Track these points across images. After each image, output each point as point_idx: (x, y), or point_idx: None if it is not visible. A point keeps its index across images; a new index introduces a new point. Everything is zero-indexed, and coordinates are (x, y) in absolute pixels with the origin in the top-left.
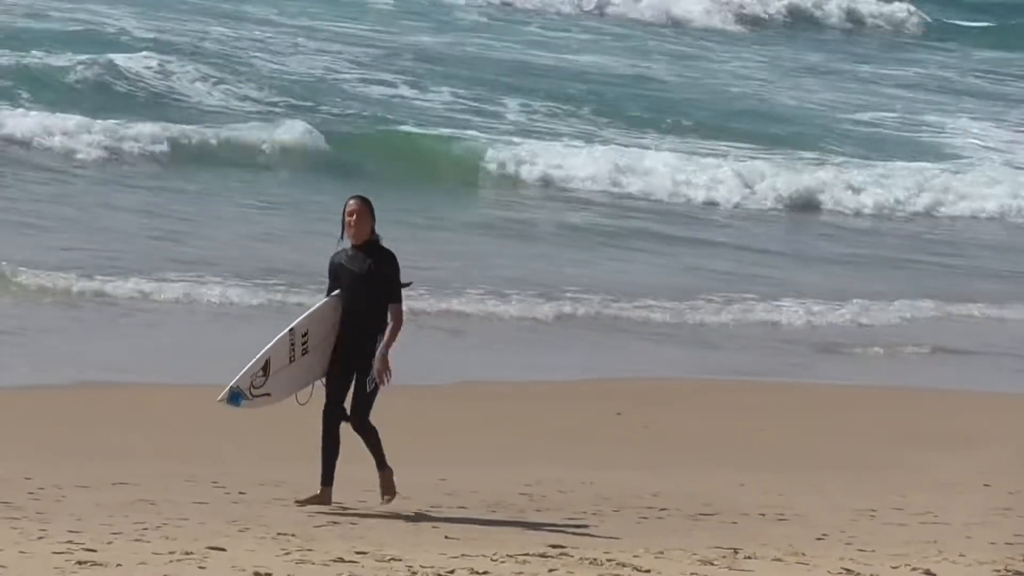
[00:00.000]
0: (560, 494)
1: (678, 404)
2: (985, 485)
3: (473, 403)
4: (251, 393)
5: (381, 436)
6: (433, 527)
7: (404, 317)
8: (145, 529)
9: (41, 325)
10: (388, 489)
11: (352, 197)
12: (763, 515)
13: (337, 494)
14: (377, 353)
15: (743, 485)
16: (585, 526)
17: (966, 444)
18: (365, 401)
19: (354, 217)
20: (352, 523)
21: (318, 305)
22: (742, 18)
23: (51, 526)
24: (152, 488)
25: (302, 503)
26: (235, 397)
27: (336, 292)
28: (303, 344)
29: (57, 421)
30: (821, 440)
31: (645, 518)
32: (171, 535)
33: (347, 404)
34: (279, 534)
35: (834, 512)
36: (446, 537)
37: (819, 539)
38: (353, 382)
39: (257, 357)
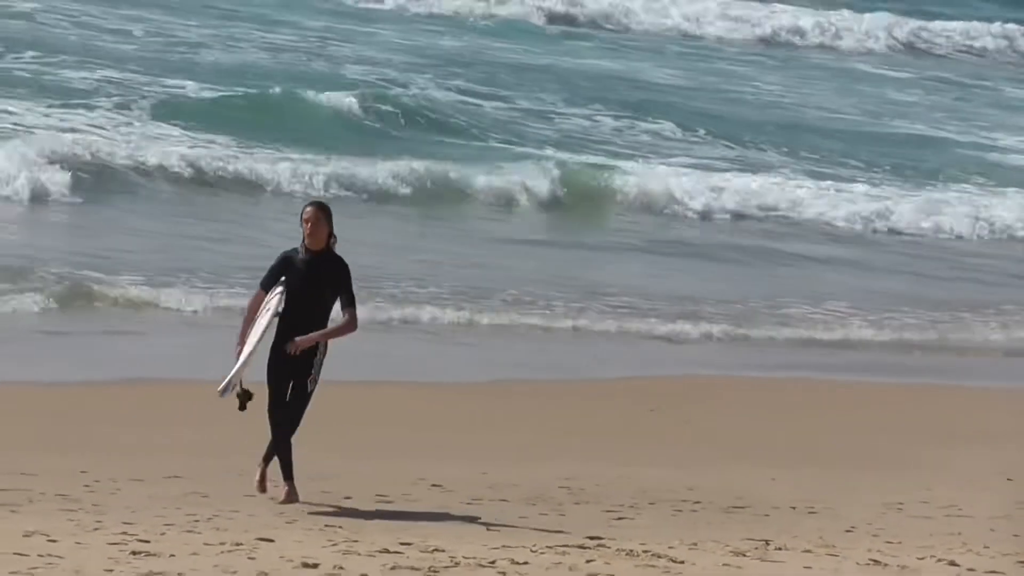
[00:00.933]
0: (597, 488)
1: (710, 401)
2: (1008, 480)
3: (512, 400)
4: (233, 387)
5: (419, 431)
6: (475, 518)
7: (357, 324)
8: (197, 521)
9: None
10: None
11: (310, 204)
12: (794, 508)
13: (381, 487)
14: (304, 336)
15: (774, 480)
16: (622, 519)
17: (988, 440)
18: (303, 399)
19: (309, 225)
20: (397, 514)
21: (276, 296)
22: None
23: (106, 518)
24: (203, 481)
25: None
26: (228, 390)
27: (279, 289)
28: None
29: (112, 417)
30: (849, 436)
31: (680, 511)
32: (222, 526)
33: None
34: (326, 526)
35: (862, 506)
36: (488, 529)
37: (848, 531)
38: (291, 386)
39: (253, 348)
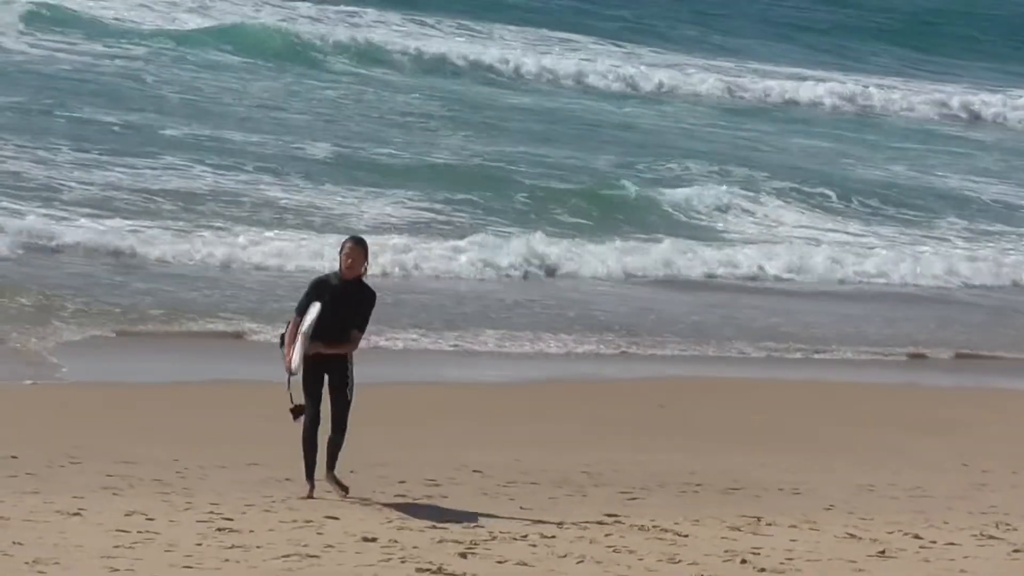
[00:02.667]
0: (614, 472)
1: (710, 398)
2: (963, 465)
3: (541, 398)
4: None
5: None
6: (510, 499)
7: (359, 345)
8: (273, 502)
9: None
10: (338, 487)
11: (349, 239)
12: (781, 489)
13: (429, 473)
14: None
15: (764, 465)
16: (635, 499)
17: (947, 431)
18: (344, 407)
19: (351, 260)
20: (443, 496)
21: (315, 309)
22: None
23: (195, 499)
24: (280, 468)
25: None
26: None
27: (317, 305)
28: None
29: (200, 413)
30: (828, 428)
31: (684, 492)
32: (295, 507)
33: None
34: (384, 505)
35: (839, 487)
36: (520, 507)
37: (827, 509)
38: (332, 396)
39: (298, 362)
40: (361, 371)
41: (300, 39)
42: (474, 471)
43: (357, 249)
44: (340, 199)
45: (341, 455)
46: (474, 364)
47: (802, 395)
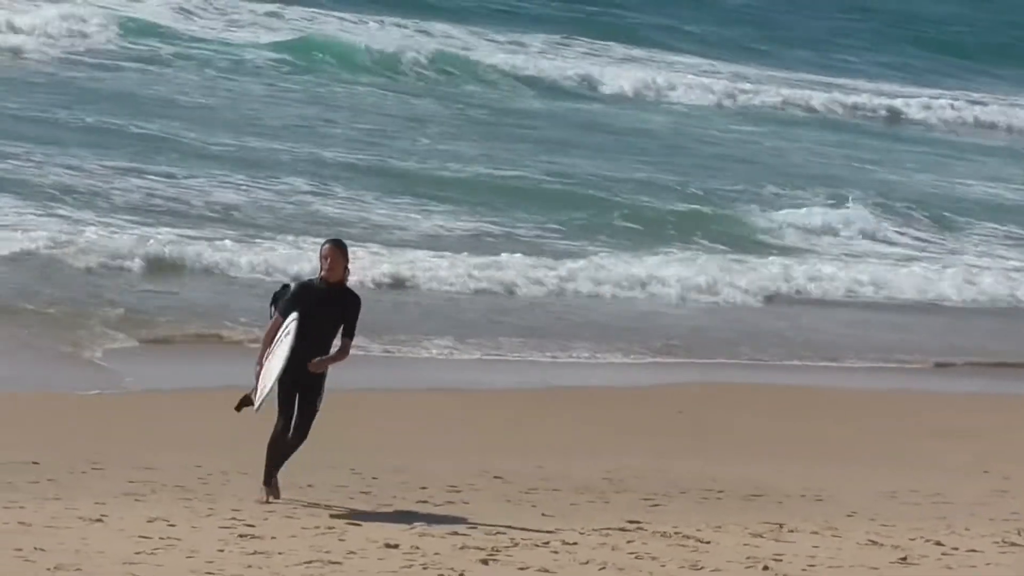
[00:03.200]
0: (636, 479)
1: (730, 405)
2: (985, 472)
3: (563, 405)
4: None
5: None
6: (532, 506)
7: (350, 352)
8: (295, 508)
9: None
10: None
11: (328, 241)
12: (803, 496)
13: (451, 479)
14: (324, 357)
15: (786, 471)
16: (657, 505)
17: (968, 438)
18: (311, 414)
19: (330, 262)
20: (465, 502)
21: (291, 331)
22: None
23: (217, 505)
24: (301, 474)
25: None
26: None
27: (295, 315)
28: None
29: (220, 418)
30: (850, 435)
31: (706, 499)
32: (316, 513)
33: None
34: (406, 512)
35: (861, 494)
36: (543, 514)
37: (849, 516)
38: (299, 403)
39: (278, 374)
40: (383, 377)
41: (401, 59)
42: (496, 477)
43: (336, 251)
44: (413, 215)
45: (289, 461)
46: (495, 370)
47: (824, 402)
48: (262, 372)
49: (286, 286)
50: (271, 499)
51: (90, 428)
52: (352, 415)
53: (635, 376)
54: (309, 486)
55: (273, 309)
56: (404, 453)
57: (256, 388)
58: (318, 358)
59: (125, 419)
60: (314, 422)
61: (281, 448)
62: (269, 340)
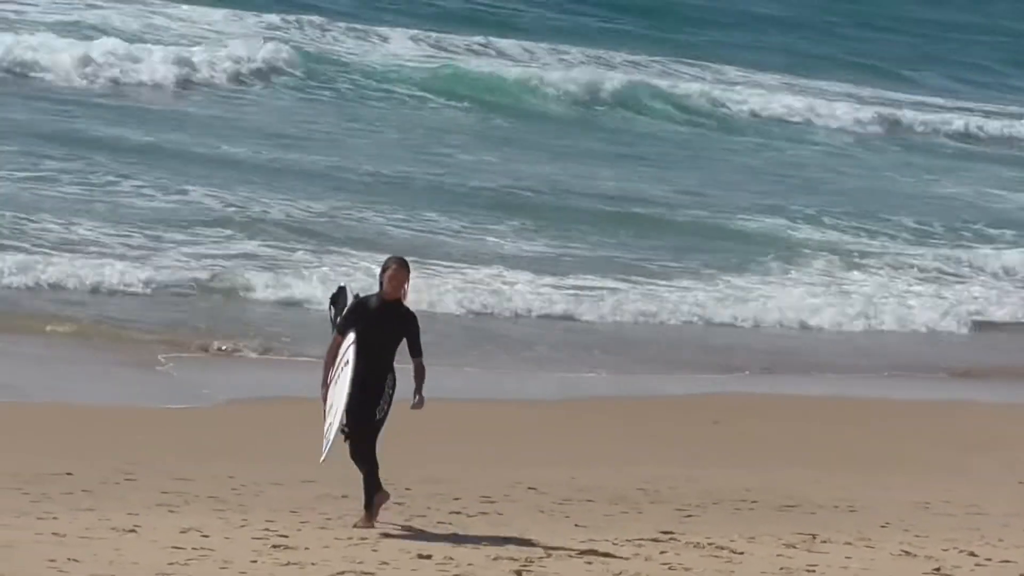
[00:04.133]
0: (670, 489)
1: (764, 415)
2: (1020, 482)
3: (597, 415)
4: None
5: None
6: (565, 517)
7: (425, 367)
8: (328, 519)
9: None
10: (369, 519)
11: (393, 259)
12: (836, 507)
13: (485, 490)
14: (418, 396)
15: (818, 482)
16: (690, 516)
17: (1003, 448)
18: (374, 428)
19: (395, 282)
20: (499, 513)
21: (352, 349)
22: None
23: (251, 516)
24: (335, 485)
25: (361, 525)
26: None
27: (352, 336)
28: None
29: (255, 431)
30: (883, 445)
31: (739, 509)
32: (350, 523)
33: None
34: (439, 523)
35: (895, 504)
36: (576, 525)
37: (883, 527)
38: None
39: (336, 414)
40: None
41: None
42: (529, 488)
43: (401, 270)
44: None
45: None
46: (529, 381)
47: (857, 412)
48: (328, 405)
49: (341, 288)
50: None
51: (123, 439)
52: (385, 426)
53: (670, 386)
54: (343, 497)
55: (332, 311)
56: (437, 464)
57: (325, 416)
58: (418, 397)
59: (158, 430)
60: (378, 436)
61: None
62: (331, 359)
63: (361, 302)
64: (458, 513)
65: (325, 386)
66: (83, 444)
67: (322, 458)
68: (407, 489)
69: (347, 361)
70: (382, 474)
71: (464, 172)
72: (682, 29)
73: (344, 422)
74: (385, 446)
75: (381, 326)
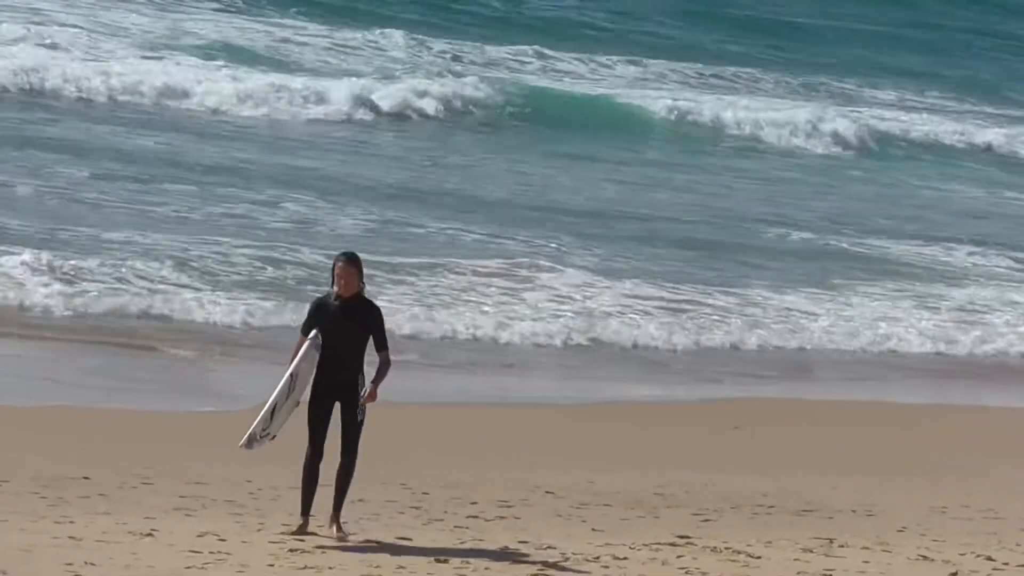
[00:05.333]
0: (687, 494)
1: (782, 420)
2: None
3: (615, 420)
4: (259, 436)
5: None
6: (582, 521)
7: (391, 361)
8: (344, 523)
9: None
10: (335, 526)
11: (340, 257)
12: (854, 511)
13: (502, 494)
14: (370, 385)
15: (837, 487)
16: (707, 520)
17: (1021, 453)
18: (357, 430)
19: (343, 280)
20: (516, 517)
21: (305, 347)
22: None
23: (268, 520)
24: (353, 489)
25: (294, 534)
26: (250, 442)
27: (314, 333)
28: (293, 384)
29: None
30: (900, 450)
31: (756, 514)
32: (366, 527)
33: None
34: (456, 527)
35: (912, 509)
36: (593, 529)
37: (900, 531)
38: (343, 416)
39: (268, 405)
40: (434, 391)
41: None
42: (547, 492)
43: (349, 267)
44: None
45: (347, 496)
46: (547, 385)
47: (874, 416)
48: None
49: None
50: (303, 531)
51: (140, 443)
52: (402, 430)
53: (688, 391)
54: (360, 500)
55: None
56: (455, 468)
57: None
58: (366, 389)
59: (175, 434)
60: (360, 434)
61: (313, 474)
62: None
63: (319, 303)
64: (475, 517)
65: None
66: (100, 448)
67: (240, 444)
68: (424, 493)
69: (301, 356)
70: (399, 477)
71: None
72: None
73: (265, 428)
74: (403, 450)
75: (342, 325)
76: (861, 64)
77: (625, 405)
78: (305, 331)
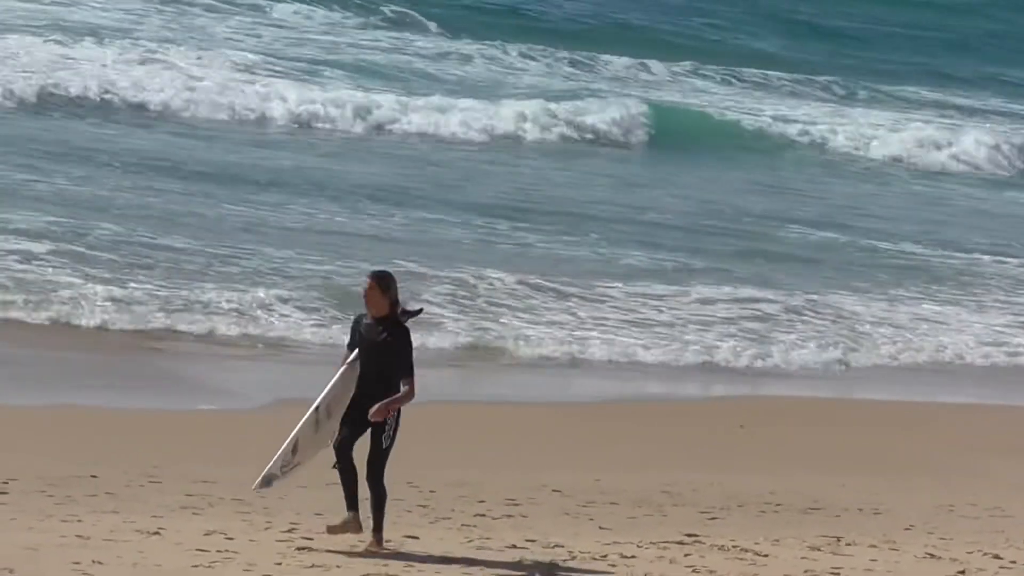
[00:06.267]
0: (693, 492)
1: (790, 419)
2: None
3: (621, 419)
4: (282, 472)
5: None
6: (589, 519)
7: (415, 391)
8: (363, 521)
9: None
10: (376, 544)
11: (367, 276)
12: (861, 510)
13: (509, 493)
14: (382, 402)
15: (844, 485)
16: (714, 519)
17: None
18: (380, 457)
19: (367, 300)
20: (523, 515)
21: (337, 377)
22: None
23: (275, 519)
24: (360, 488)
25: (334, 530)
26: (268, 481)
27: (355, 354)
28: (327, 413)
29: (278, 435)
30: (908, 448)
31: (763, 512)
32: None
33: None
34: (463, 525)
35: (919, 507)
36: (600, 528)
37: (907, 529)
38: (370, 439)
39: (287, 443)
40: (440, 390)
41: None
42: (554, 491)
43: (374, 287)
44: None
45: (385, 518)
46: (554, 384)
47: (882, 415)
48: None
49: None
50: (346, 529)
51: (147, 442)
52: (409, 428)
53: (694, 389)
54: (365, 499)
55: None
56: (462, 466)
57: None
58: (376, 406)
59: (182, 433)
60: (386, 464)
61: (348, 462)
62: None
63: (356, 320)
64: (483, 515)
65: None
66: (107, 447)
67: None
68: (431, 491)
69: (345, 363)
70: (406, 476)
71: None
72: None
73: (286, 464)
74: (411, 448)
75: (373, 343)
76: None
77: (630, 404)
78: (349, 345)
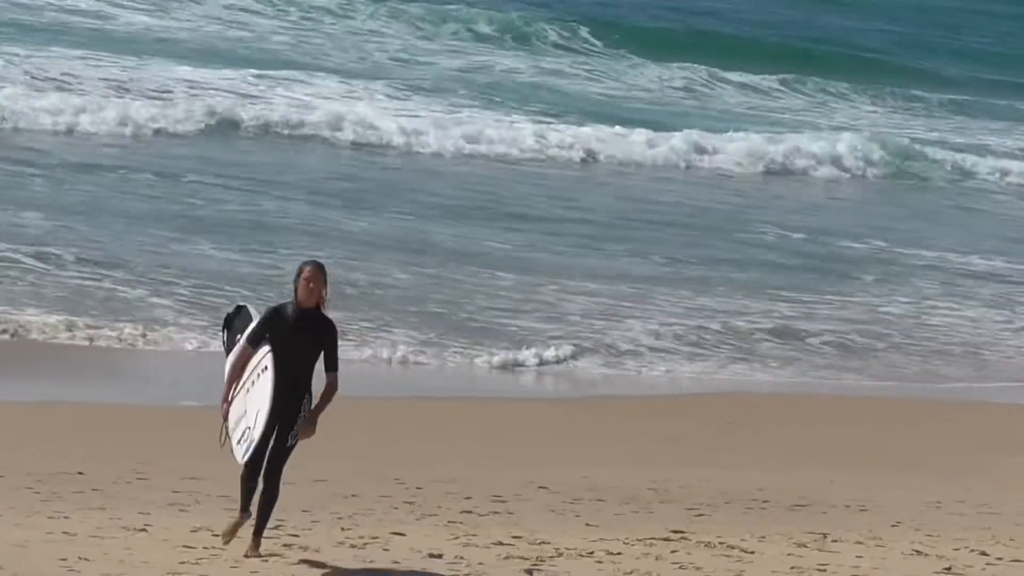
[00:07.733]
0: (681, 489)
1: (777, 416)
2: None
3: (610, 415)
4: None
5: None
6: (576, 516)
7: (338, 386)
8: (339, 518)
9: None
10: (254, 548)
11: (308, 263)
12: (848, 506)
13: (496, 489)
14: (308, 415)
15: (832, 482)
16: (701, 515)
17: (1018, 450)
18: (284, 454)
19: (311, 284)
20: (509, 512)
21: (268, 356)
22: None
23: None
24: (345, 484)
25: (228, 536)
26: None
27: (267, 349)
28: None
29: None
30: (895, 445)
31: (751, 509)
32: (361, 523)
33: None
34: (449, 522)
35: (907, 504)
36: (587, 524)
37: (894, 526)
38: (275, 435)
39: (260, 417)
40: (426, 387)
41: None
42: (540, 487)
43: (318, 273)
44: None
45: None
46: (541, 382)
47: (871, 412)
48: (240, 413)
49: (240, 307)
50: (233, 535)
51: (135, 439)
52: (396, 425)
53: (682, 385)
54: (353, 496)
55: (225, 334)
56: (448, 463)
57: (225, 428)
58: (303, 415)
59: (169, 430)
60: (286, 463)
61: (257, 467)
62: (237, 373)
63: (275, 311)
64: (469, 512)
65: (227, 402)
66: (95, 444)
67: (244, 458)
68: (418, 488)
69: (265, 367)
70: (393, 472)
71: None
72: None
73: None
74: (397, 445)
75: (297, 337)
76: None
77: (618, 401)
78: (253, 340)
